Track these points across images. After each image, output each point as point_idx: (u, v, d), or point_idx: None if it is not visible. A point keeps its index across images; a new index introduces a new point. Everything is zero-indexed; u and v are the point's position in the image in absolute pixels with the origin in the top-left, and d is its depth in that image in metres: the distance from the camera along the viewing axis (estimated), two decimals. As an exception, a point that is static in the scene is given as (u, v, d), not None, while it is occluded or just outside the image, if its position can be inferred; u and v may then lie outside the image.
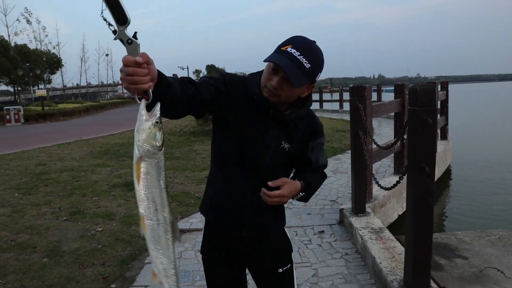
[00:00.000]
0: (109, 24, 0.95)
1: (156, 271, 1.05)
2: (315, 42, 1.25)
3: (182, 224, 4.08)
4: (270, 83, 1.23)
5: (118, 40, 0.97)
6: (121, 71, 0.97)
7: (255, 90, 1.29)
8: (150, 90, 0.99)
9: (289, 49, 1.19)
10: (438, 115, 7.46)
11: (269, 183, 1.28)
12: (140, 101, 0.99)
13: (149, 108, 1.00)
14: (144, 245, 3.57)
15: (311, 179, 1.40)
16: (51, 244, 3.64)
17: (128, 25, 0.95)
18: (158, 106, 1.00)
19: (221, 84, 1.27)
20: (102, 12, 0.93)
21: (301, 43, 1.21)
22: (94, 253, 3.42)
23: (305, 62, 1.18)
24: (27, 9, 48.11)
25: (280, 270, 1.46)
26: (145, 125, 0.98)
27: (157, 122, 0.99)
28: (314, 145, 1.43)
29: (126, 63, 0.94)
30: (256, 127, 1.32)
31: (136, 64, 0.94)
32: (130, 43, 0.95)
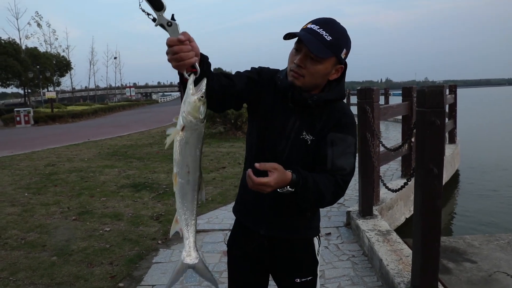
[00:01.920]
0: (148, 14, 1.04)
1: (179, 219, 1.18)
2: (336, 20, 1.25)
3: (189, 225, 4.10)
4: (293, 64, 1.23)
5: (155, 24, 1.05)
6: (167, 53, 1.04)
7: (279, 76, 1.30)
8: (197, 64, 1.08)
9: (309, 25, 1.21)
10: (446, 119, 7.41)
11: (257, 165, 1.12)
12: (190, 76, 1.08)
13: (196, 84, 1.11)
14: (152, 245, 3.62)
15: (310, 177, 1.17)
16: (60, 243, 3.68)
17: (165, 9, 1.03)
18: (204, 81, 1.09)
19: (254, 73, 1.32)
20: (140, 5, 1.01)
21: (321, 19, 1.23)
22: (102, 253, 3.45)
23: (325, 35, 1.17)
24: (37, 13, 48.74)
25: (298, 280, 1.38)
26: (191, 99, 1.07)
27: (202, 97, 1.09)
28: (335, 140, 1.24)
29: (170, 43, 1.02)
30: (276, 115, 1.28)
31: (179, 42, 1.01)
32: (170, 25, 1.04)
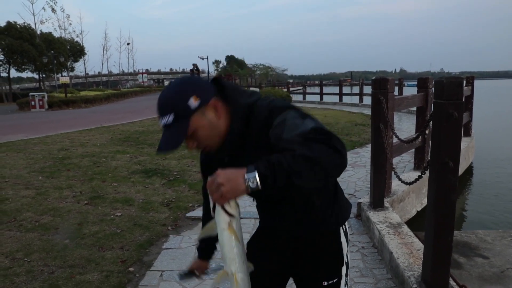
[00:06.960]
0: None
1: None
2: (171, 85, 1.14)
3: (198, 212, 4.12)
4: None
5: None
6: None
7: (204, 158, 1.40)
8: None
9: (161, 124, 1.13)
10: (462, 111, 7.23)
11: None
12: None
13: None
14: (162, 231, 3.66)
15: (276, 157, 0.96)
16: (72, 227, 3.75)
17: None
18: None
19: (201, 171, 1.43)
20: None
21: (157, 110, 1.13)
22: (113, 237, 3.50)
23: (167, 121, 1.08)
24: (52, -2, 48.89)
25: (325, 283, 1.27)
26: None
27: None
28: (276, 131, 1.06)
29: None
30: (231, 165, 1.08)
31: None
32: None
